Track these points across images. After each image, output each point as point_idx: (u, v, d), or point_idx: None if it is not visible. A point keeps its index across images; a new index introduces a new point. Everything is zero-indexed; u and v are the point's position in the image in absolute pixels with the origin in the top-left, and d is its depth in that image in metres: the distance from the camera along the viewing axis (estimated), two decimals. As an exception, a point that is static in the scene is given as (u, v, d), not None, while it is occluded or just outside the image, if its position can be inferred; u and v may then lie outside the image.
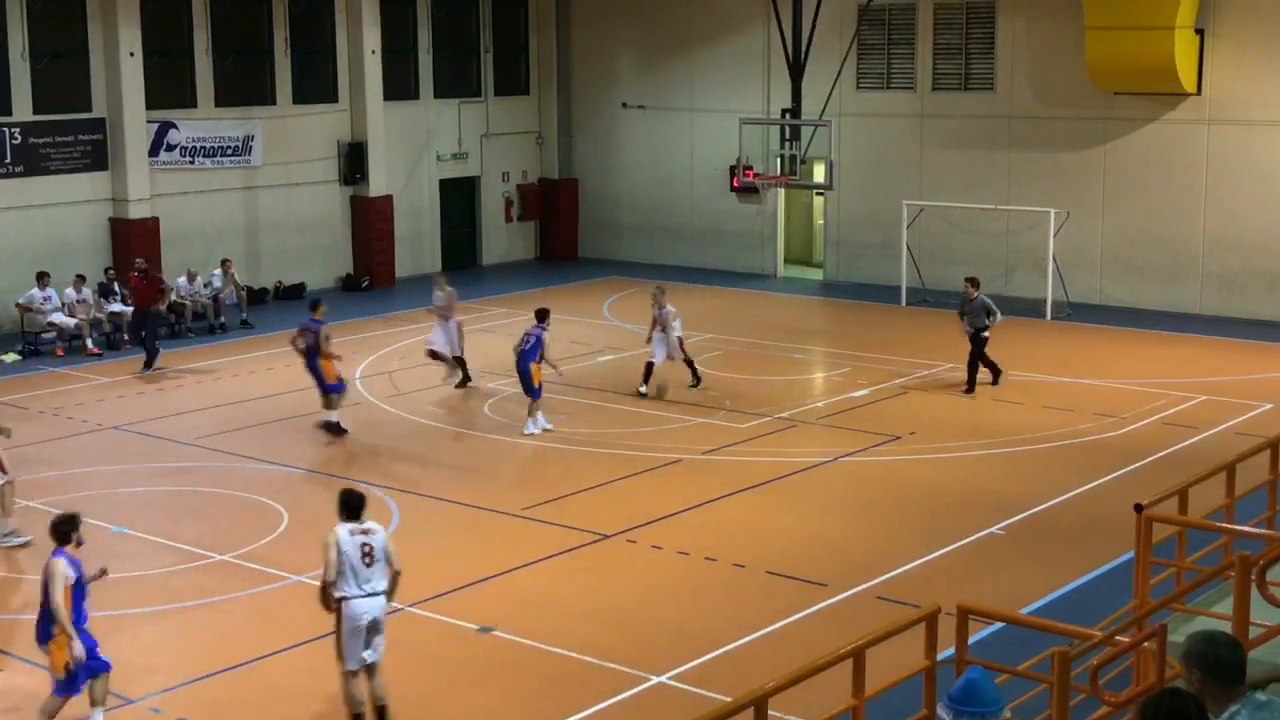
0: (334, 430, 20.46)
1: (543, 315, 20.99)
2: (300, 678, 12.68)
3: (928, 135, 32.10)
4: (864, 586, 14.65)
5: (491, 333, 27.69)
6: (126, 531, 16.56)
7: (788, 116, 29.79)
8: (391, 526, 16.61)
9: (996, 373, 22.96)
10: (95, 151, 29.41)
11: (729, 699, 8.43)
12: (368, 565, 11.11)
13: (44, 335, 26.58)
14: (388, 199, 34.00)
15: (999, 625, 12.21)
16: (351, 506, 11.35)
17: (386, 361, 25.79)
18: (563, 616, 14.00)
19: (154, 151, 30.12)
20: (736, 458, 19.44)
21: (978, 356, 22.76)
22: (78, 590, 11.16)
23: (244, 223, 32.02)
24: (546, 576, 15.13)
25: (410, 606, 14.11)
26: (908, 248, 30.61)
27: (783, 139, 29.53)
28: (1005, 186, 30.78)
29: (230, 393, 23.51)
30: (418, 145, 35.27)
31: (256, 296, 31.22)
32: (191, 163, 30.97)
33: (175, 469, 19.13)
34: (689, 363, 22.85)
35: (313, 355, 20.55)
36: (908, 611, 11.41)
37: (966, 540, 16.07)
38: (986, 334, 22.65)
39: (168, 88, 30.32)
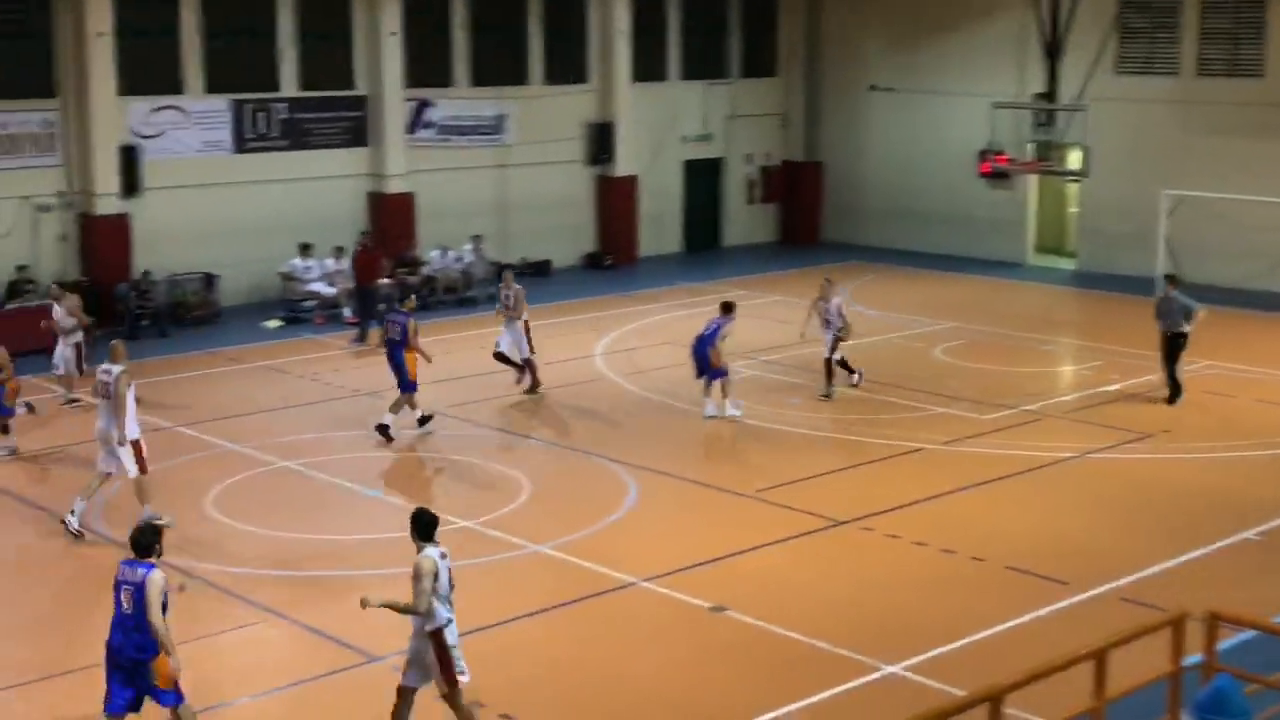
0: (385, 434, 19.16)
1: (728, 308, 20.57)
2: (532, 645, 12.96)
3: (1190, 122, 30.80)
4: (1107, 587, 14.20)
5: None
6: (379, 495, 17.18)
7: (1042, 101, 28.99)
8: (628, 502, 16.85)
9: (1175, 392, 20.82)
10: (356, 128, 30.53)
11: (963, 693, 8.29)
12: (450, 588, 10.61)
13: (305, 303, 27.73)
14: (632, 179, 34.36)
15: (1250, 634, 11.69)
16: (427, 528, 10.69)
17: (626, 339, 26.10)
18: (794, 600, 13.97)
19: (411, 129, 31.11)
20: (979, 449, 19.06)
21: (1169, 362, 20.78)
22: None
23: (494, 200, 32.80)
24: (779, 559, 15.12)
25: (644, 582, 14.29)
26: (1165, 239, 29.46)
27: (1036, 124, 28.79)
28: (1274, 176, 29.33)
29: (476, 364, 24.12)
30: (663, 126, 35.54)
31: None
32: (446, 140, 31.87)
33: (423, 436, 19.73)
34: (842, 363, 21.61)
35: (396, 348, 19.49)
36: (1153, 614, 11.03)
37: (1218, 544, 15.43)
38: (1184, 338, 20.66)
39: (426, 67, 31.25)
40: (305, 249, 27.87)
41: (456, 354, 24.97)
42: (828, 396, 21.34)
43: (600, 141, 33.87)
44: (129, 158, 27.27)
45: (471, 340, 26.00)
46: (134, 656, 10.28)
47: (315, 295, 27.49)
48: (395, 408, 19.40)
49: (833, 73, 37.19)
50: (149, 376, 23.27)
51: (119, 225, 27.11)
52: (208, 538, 15.64)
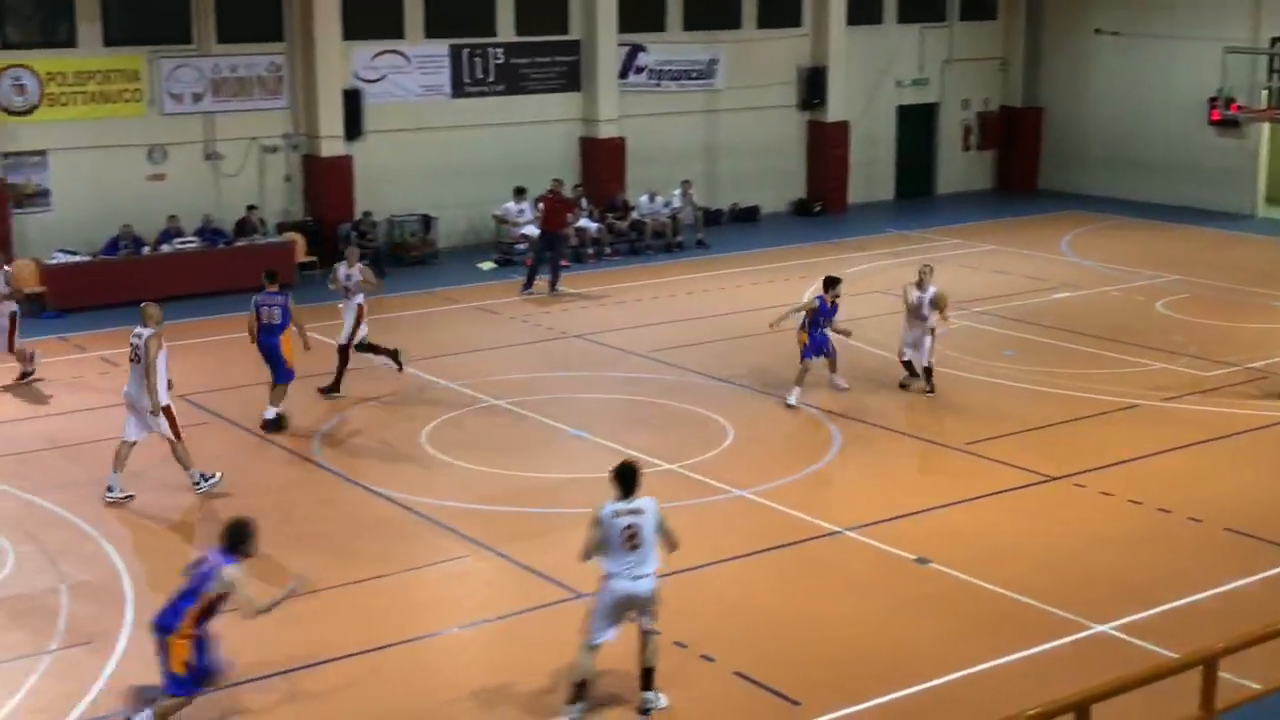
0: (274, 428, 17.58)
1: (829, 284, 18.73)
2: (733, 590, 13.03)
3: None
4: (1334, 553, 13.63)
5: (944, 264, 27.26)
6: (584, 435, 17.44)
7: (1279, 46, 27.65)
8: (833, 450, 16.76)
9: None
10: (569, 72, 30.80)
11: (1175, 655, 8.07)
12: (631, 549, 10.29)
13: (517, 246, 28.19)
14: (844, 125, 33.92)
15: None
16: (624, 481, 10.43)
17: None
18: (1001, 555, 13.74)
19: (623, 74, 31.24)
20: (1199, 407, 18.41)
21: None
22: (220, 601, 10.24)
23: (704, 145, 32.76)
24: (987, 513, 14.88)
25: (849, 531, 14.24)
26: None
27: (1271, 70, 27.46)
28: None
29: (683, 309, 24.25)
30: (877, 70, 34.97)
31: (712, 217, 31.95)
32: (658, 85, 31.93)
33: (630, 379, 19.94)
34: (927, 371, 18.91)
35: (273, 333, 17.67)
36: (1385, 585, 10.54)
37: None
38: None
39: (639, 12, 31.29)
40: (519, 192, 28.28)
41: (663, 300, 25.13)
42: (928, 392, 18.84)
43: (812, 86, 33.50)
44: (352, 101, 28.02)
45: (678, 285, 26.13)
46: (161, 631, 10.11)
47: (526, 238, 27.91)
48: (276, 399, 17.73)
49: (1055, 16, 36.04)
50: (372, 314, 23.99)
51: (342, 167, 27.91)
52: (421, 471, 16.09)
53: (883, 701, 10.92)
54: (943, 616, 12.44)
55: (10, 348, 19.72)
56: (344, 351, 19.10)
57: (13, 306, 19.81)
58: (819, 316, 18.63)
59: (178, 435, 15.22)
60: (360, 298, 19.13)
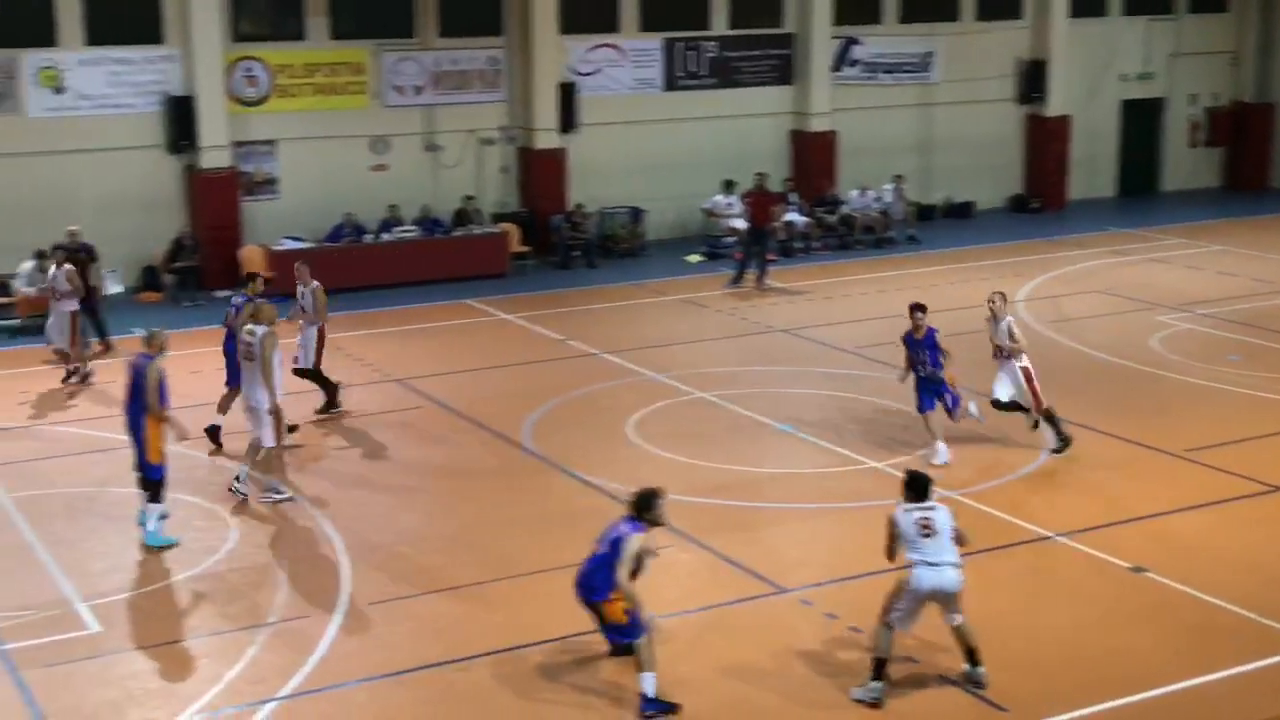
0: (215, 436, 16.65)
1: (911, 311, 16.30)
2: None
3: None
4: None
5: (1168, 264, 26.38)
6: (790, 430, 17.35)
7: None
8: (1045, 453, 16.34)
9: None
10: (782, 65, 30.68)
11: None
12: (926, 538, 10.73)
13: (725, 239, 28.21)
14: (1065, 119, 33.06)
15: None
16: (918, 489, 10.98)
17: (1051, 286, 25.25)
18: (1221, 566, 13.21)
19: (836, 66, 30.98)
20: None
21: None
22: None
23: (917, 139, 32.29)
24: (1207, 523, 14.32)
25: (1060, 536, 13.88)
26: None
27: None
28: None
29: (893, 305, 23.89)
30: (1100, 64, 33.98)
31: (924, 213, 31.49)
32: (872, 78, 31.58)
33: (836, 375, 19.77)
34: (1048, 416, 16.28)
35: (233, 339, 16.57)
36: None
37: None
38: None
39: (854, 4, 31.00)
40: (729, 185, 28.29)
41: (871, 296, 24.87)
42: (1062, 442, 16.28)
43: (1032, 80, 32.72)
44: (567, 94, 28.40)
45: (887, 281, 25.81)
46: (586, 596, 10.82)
47: (735, 231, 27.88)
48: (223, 406, 16.93)
49: (1293, 7, 34.53)
50: (577, 305, 24.37)
51: (556, 159, 28.32)
52: (627, 461, 16.22)
53: (1091, 712, 10.62)
54: (1157, 627, 12.03)
55: (72, 344, 19.65)
56: (310, 375, 17.87)
57: (73, 305, 19.71)
58: (913, 354, 16.15)
59: (279, 439, 15.05)
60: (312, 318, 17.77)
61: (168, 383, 13.72)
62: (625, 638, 10.76)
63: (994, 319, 16.46)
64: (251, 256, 25.24)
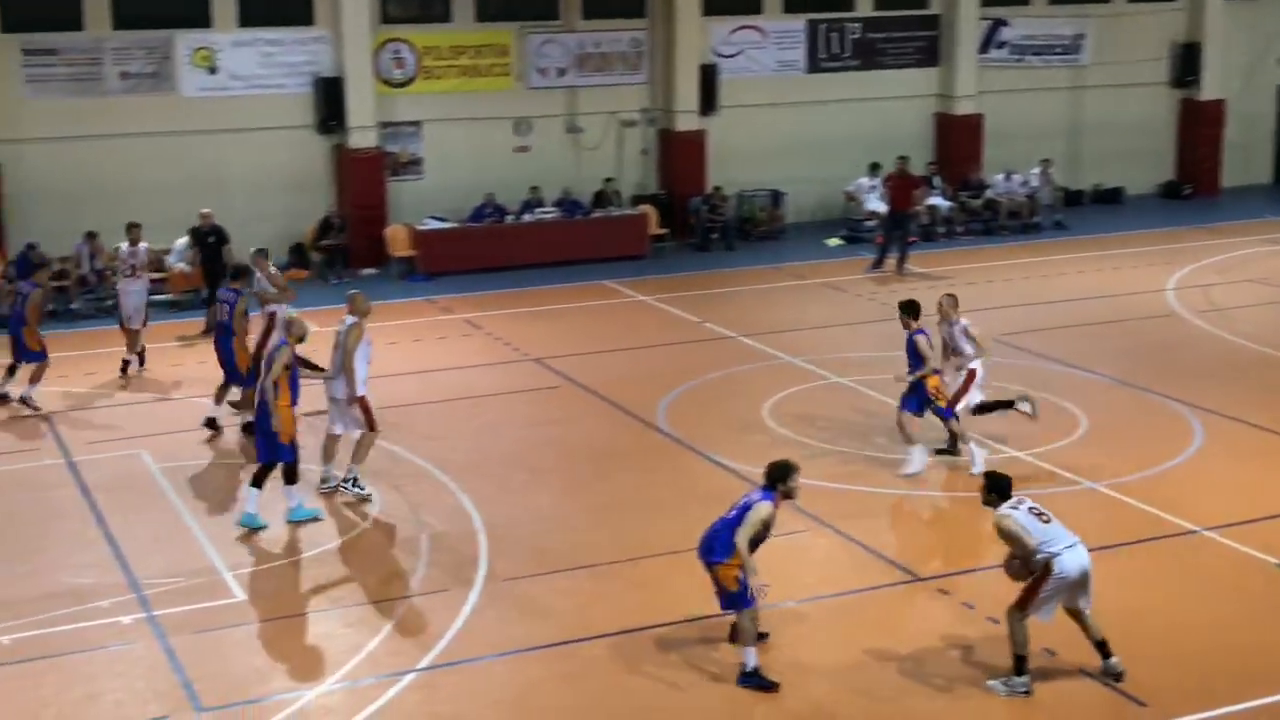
0: (214, 426, 16.73)
1: (909, 309, 15.61)
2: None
3: None
4: None
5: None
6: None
7: None
8: (1193, 446, 15.95)
9: None
10: (927, 47, 30.27)
11: None
12: (1046, 524, 10.53)
13: (865, 223, 27.96)
14: (1220, 103, 32.14)
15: None
16: (1004, 489, 10.73)
17: (1203, 275, 24.59)
18: (1379, 567, 12.79)
19: (984, 48, 30.48)
20: None
21: None
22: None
23: (1066, 123, 31.66)
24: (1363, 521, 13.86)
25: (1206, 530, 13.54)
26: None
27: None
28: None
29: (1038, 292, 23.53)
30: (1258, 48, 32.95)
31: (1072, 198, 30.88)
32: (1020, 60, 31.02)
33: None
34: (988, 407, 15.61)
35: (225, 332, 16.74)
36: None
37: None
38: None
39: (1003, -15, 30.49)
40: (873, 168, 28.00)
41: (1016, 282, 24.47)
42: (950, 452, 15.51)
43: (1186, 63, 31.86)
44: (708, 76, 28.35)
45: (1032, 268, 25.38)
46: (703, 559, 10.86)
47: (876, 215, 27.63)
48: (219, 397, 16.93)
49: None
50: (715, 288, 24.35)
51: (696, 141, 28.30)
52: (761, 444, 16.17)
53: (1233, 710, 10.35)
54: (1308, 627, 11.68)
55: (142, 323, 19.59)
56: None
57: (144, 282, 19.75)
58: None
59: (372, 426, 14.51)
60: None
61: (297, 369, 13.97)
62: (732, 606, 10.78)
63: (945, 322, 15.70)
64: (396, 236, 25.67)
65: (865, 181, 28.03)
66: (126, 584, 12.60)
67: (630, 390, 18.16)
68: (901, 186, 25.55)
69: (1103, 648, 10.76)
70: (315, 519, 14.01)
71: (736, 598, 10.70)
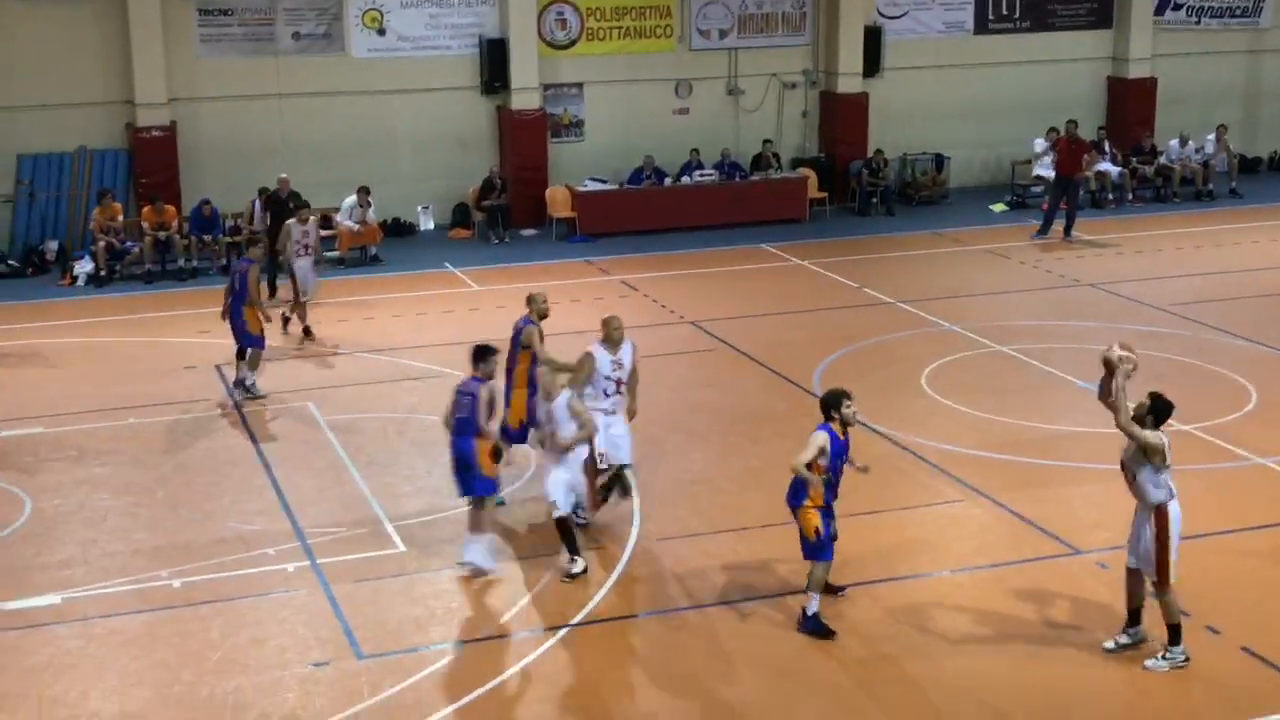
0: (247, 390, 16.85)
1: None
2: (1249, 559, 12.25)
3: None
4: None
5: None
6: (1091, 387, 16.78)
7: None
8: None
9: None
10: (1101, 9, 29.47)
11: None
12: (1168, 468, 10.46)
13: (1032, 188, 27.39)
14: None
15: None
16: (1159, 411, 10.57)
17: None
18: None
19: (1159, 10, 29.58)
20: None
21: None
22: (832, 469, 10.92)
23: (1244, 88, 30.60)
24: None
25: (1383, 512, 13.06)
26: None
27: None
28: None
29: (1210, 262, 22.85)
30: None
31: (1249, 165, 29.87)
32: (1197, 23, 30.04)
33: (1145, 333, 18.99)
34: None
35: (236, 301, 16.82)
36: None
37: None
38: None
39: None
40: (1051, 131, 27.32)
41: (1188, 251, 23.80)
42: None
43: (1376, 25, 30.53)
44: (873, 38, 27.98)
45: (1205, 237, 24.66)
46: None
47: (1041, 180, 27.02)
48: (252, 364, 16.99)
49: None
50: (874, 253, 24.11)
51: (858, 104, 27.97)
52: (918, 412, 16.03)
53: None
54: None
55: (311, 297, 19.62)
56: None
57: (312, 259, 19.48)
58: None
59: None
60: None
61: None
62: (809, 556, 11.01)
63: (610, 342, 13.20)
64: (556, 197, 25.89)
65: (1041, 142, 27.38)
66: (292, 532, 12.99)
67: (786, 355, 18.10)
68: (1070, 151, 24.95)
69: (1175, 632, 10.47)
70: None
71: (815, 548, 10.97)
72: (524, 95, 25.99)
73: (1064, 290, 21.41)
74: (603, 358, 13.02)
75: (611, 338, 13.13)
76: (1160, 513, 10.39)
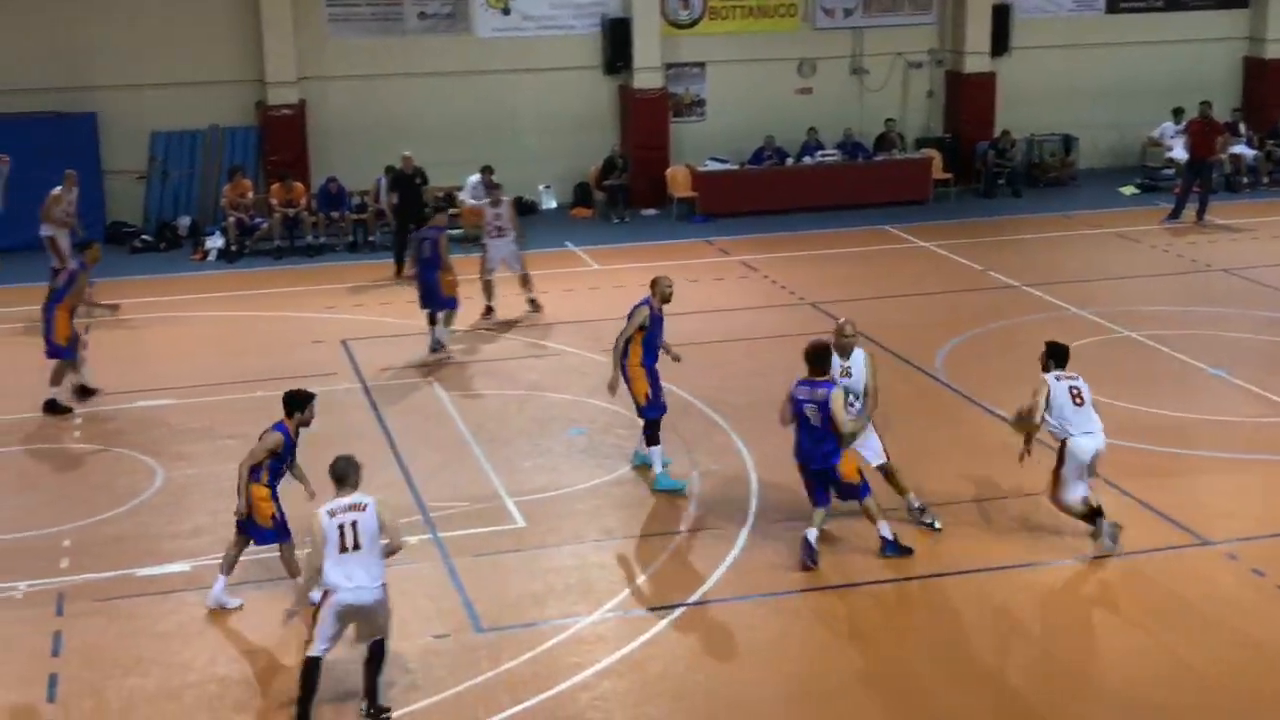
0: (440, 348, 17.50)
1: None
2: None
3: None
4: None
5: None
6: (1223, 374, 16.41)
7: None
8: None
9: None
10: (1239, -13, 28.74)
11: None
12: (1079, 405, 11.80)
13: (1163, 171, 26.78)
14: None
15: None
16: (1056, 354, 12.08)
17: None
18: None
19: (1297, -12, 28.71)
20: None
21: None
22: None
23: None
24: None
25: None
26: None
27: None
28: None
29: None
30: None
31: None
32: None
33: (1277, 319, 18.53)
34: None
35: (428, 269, 17.64)
36: None
37: None
38: None
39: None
40: (1177, 114, 26.71)
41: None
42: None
43: None
44: (1001, 16, 27.52)
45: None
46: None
47: (1173, 163, 26.40)
48: (447, 321, 17.73)
49: None
50: (1000, 235, 23.76)
51: (985, 84, 27.55)
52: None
53: None
54: None
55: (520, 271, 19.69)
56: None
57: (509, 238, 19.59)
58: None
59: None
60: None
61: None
62: (853, 496, 11.85)
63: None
64: (677, 176, 25.87)
65: (1171, 126, 26.76)
66: (415, 506, 13.17)
67: (908, 338, 17.92)
68: (1204, 133, 24.33)
69: (1093, 516, 11.74)
70: (679, 491, 13.47)
71: (856, 488, 11.83)
72: (646, 75, 25.99)
73: (1196, 275, 20.92)
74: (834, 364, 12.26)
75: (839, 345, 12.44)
76: (1061, 446, 11.77)
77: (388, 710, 9.71)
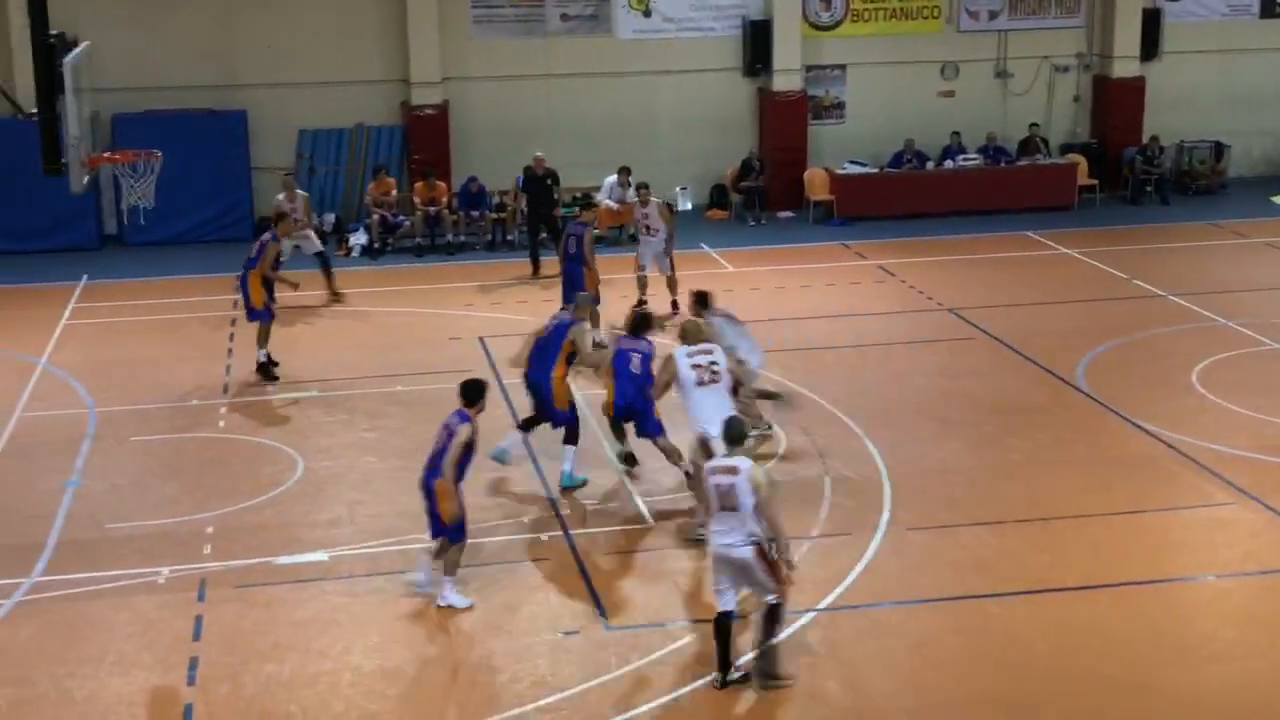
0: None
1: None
2: None
3: None
4: None
5: None
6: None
7: None
8: None
9: None
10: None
11: None
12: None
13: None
14: None
15: None
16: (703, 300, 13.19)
17: None
18: None
19: None
20: None
21: None
22: None
23: None
24: None
25: None
26: None
27: None
28: None
29: None
30: None
31: None
32: None
33: None
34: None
35: (573, 264, 17.93)
36: None
37: None
38: None
39: None
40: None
41: None
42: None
43: None
44: (1151, 21, 26.91)
45: None
46: None
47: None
48: (593, 321, 16.88)
49: None
50: (1146, 243, 23.23)
51: (1134, 89, 26.95)
52: (1189, 410, 15.39)
53: None
54: None
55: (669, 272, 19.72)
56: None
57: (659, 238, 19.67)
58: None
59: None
60: None
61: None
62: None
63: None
64: (814, 179, 25.73)
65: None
66: (547, 502, 13.28)
67: (1049, 346, 17.60)
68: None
69: None
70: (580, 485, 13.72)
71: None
72: (786, 77, 25.89)
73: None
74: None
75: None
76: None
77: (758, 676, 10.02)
